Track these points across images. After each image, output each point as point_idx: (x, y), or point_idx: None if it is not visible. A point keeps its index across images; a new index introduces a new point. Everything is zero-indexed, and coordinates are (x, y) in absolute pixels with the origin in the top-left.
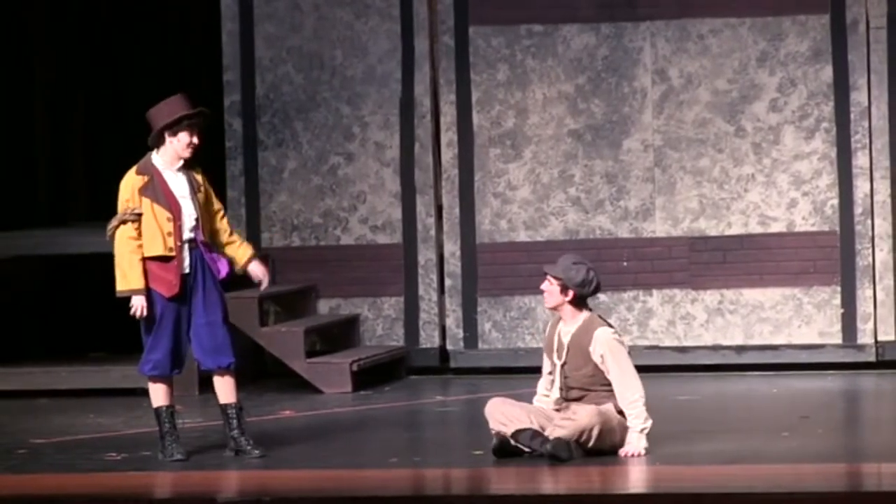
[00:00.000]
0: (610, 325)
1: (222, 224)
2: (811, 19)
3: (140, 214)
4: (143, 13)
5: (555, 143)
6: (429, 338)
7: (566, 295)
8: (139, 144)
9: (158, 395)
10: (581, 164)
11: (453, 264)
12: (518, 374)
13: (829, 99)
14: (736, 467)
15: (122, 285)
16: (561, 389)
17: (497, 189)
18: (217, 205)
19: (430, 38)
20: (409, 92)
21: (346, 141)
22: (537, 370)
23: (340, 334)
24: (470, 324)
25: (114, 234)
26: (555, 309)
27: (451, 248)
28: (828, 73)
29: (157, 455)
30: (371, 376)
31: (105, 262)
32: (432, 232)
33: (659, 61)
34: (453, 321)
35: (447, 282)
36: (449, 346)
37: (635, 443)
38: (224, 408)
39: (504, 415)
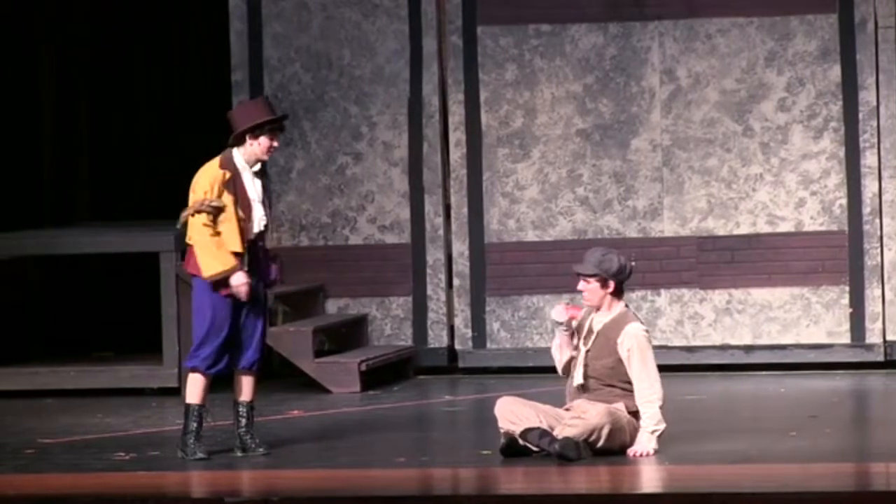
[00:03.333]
0: (641, 322)
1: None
2: (819, 19)
3: (217, 207)
4: (150, 13)
5: (563, 142)
6: (437, 337)
7: (608, 287)
8: (145, 143)
9: (195, 391)
10: (589, 164)
11: (461, 264)
12: (526, 373)
13: (838, 98)
14: (744, 467)
15: (211, 269)
16: (585, 377)
17: (505, 189)
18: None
19: (439, 37)
20: (418, 91)
21: (354, 141)
22: (545, 370)
23: (349, 334)
24: (478, 323)
25: (186, 222)
26: (598, 306)
27: (460, 247)
28: (836, 72)
29: (165, 454)
30: (379, 376)
31: (109, 262)
32: (440, 232)
33: (667, 61)
34: (461, 321)
35: (455, 281)
36: (457, 346)
37: (644, 443)
38: (237, 404)
39: (514, 413)
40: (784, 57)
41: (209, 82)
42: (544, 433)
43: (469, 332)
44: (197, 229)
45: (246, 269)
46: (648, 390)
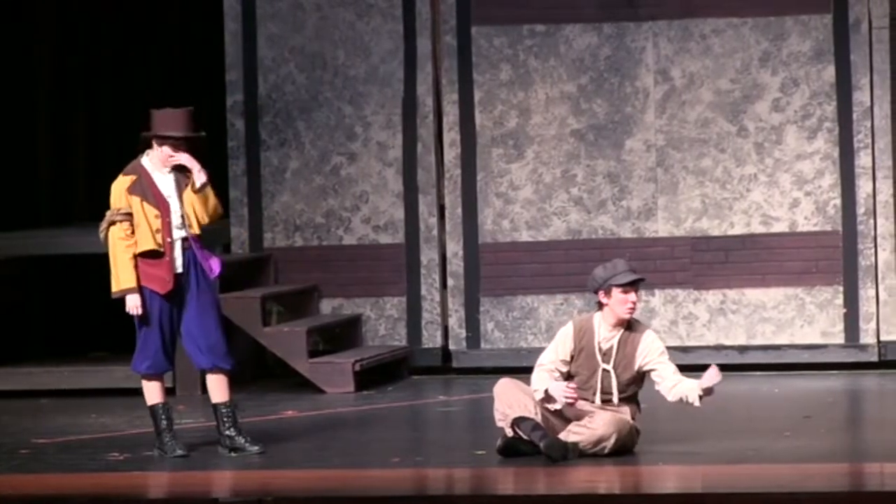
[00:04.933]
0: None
1: None
2: (813, 19)
3: (128, 214)
4: (146, 13)
5: (557, 142)
6: (431, 338)
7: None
8: (142, 143)
9: (153, 392)
10: (583, 164)
11: (456, 264)
12: (521, 373)
13: (832, 99)
14: (739, 467)
15: (115, 286)
16: (603, 393)
17: (499, 189)
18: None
19: (433, 37)
20: (412, 92)
21: (348, 141)
22: None
23: (343, 334)
24: (472, 324)
25: (106, 235)
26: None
27: (454, 247)
28: (830, 72)
29: (159, 455)
30: (373, 376)
31: (106, 262)
32: (435, 232)
33: (661, 61)
34: (456, 321)
35: (449, 282)
36: (451, 346)
37: (705, 380)
38: (217, 407)
39: (512, 397)
40: (778, 57)
41: (204, 82)
42: (536, 426)
43: (463, 333)
44: (111, 242)
45: (180, 269)
46: (677, 373)
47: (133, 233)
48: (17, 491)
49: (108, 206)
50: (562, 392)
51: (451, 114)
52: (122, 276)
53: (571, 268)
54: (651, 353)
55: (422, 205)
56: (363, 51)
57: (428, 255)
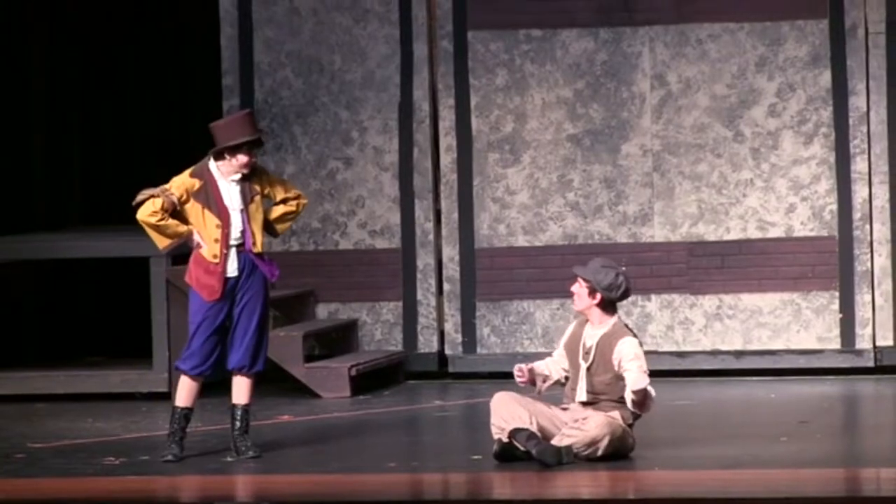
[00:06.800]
0: (635, 336)
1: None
2: (810, 24)
3: (174, 203)
4: (142, 17)
5: (553, 147)
6: (427, 342)
7: (594, 298)
8: (137, 148)
9: (182, 394)
10: (580, 169)
11: (452, 269)
12: None
13: (828, 104)
14: (734, 472)
15: (163, 242)
16: (588, 392)
17: (496, 194)
18: (282, 195)
19: (429, 42)
20: (408, 97)
21: (344, 145)
22: None
23: (339, 339)
24: (468, 328)
25: (142, 202)
26: (583, 312)
27: (450, 252)
28: (826, 78)
29: (155, 459)
30: (370, 381)
31: (102, 266)
32: (431, 237)
33: (657, 66)
34: (452, 326)
35: (446, 286)
36: (447, 351)
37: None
38: (232, 408)
39: (508, 411)
40: (775, 62)
41: (200, 87)
42: (532, 435)
43: (459, 337)
44: (143, 212)
45: (235, 273)
46: (641, 382)
47: (162, 210)
48: (12, 495)
49: (102, 210)
50: (514, 370)
51: (447, 118)
52: (168, 231)
53: (568, 273)
54: (623, 358)
55: (418, 209)
56: (359, 55)
57: (424, 260)
